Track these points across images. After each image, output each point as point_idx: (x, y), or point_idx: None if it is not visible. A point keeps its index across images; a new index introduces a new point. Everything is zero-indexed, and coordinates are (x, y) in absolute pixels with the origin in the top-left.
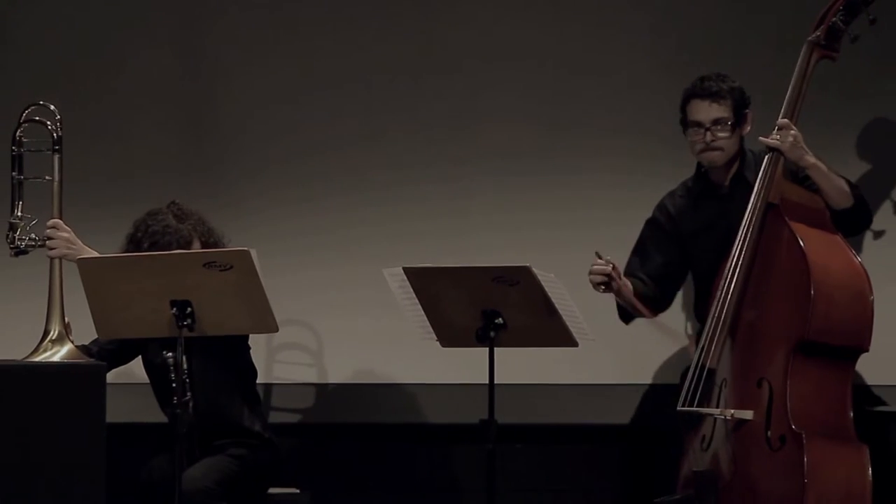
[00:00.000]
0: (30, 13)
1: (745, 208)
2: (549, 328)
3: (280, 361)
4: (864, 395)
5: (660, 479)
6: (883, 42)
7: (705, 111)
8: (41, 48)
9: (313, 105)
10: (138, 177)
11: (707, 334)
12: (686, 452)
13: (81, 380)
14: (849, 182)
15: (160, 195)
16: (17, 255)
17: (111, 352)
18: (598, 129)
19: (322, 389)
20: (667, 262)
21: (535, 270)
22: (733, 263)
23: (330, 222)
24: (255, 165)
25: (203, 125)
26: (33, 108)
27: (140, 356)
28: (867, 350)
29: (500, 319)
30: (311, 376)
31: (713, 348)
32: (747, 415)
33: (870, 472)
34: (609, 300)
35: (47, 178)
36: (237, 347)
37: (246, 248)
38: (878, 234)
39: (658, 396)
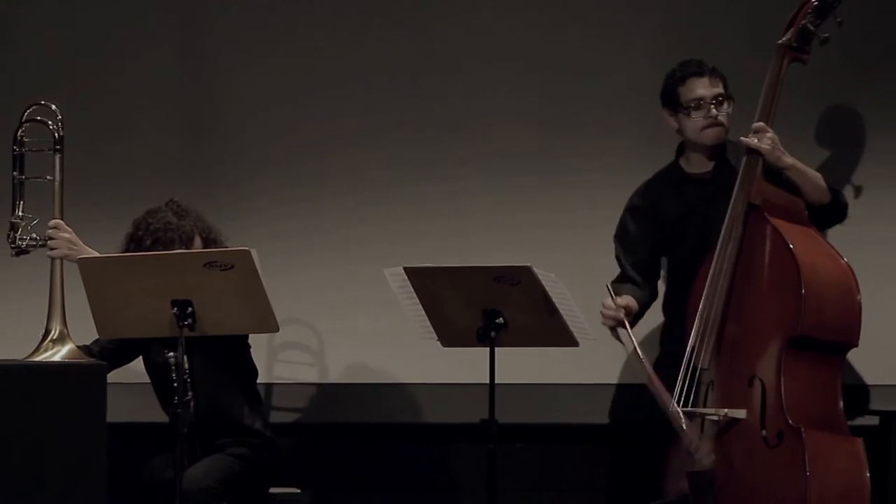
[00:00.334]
0: (30, 13)
1: (729, 194)
2: (549, 328)
3: (281, 361)
4: (864, 395)
5: (660, 480)
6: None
7: (706, 87)
8: (42, 48)
9: (313, 105)
10: (139, 177)
11: (697, 336)
12: (670, 458)
13: (82, 379)
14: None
15: (160, 195)
16: (18, 254)
17: (112, 351)
18: (598, 130)
19: (323, 389)
20: (653, 251)
21: (535, 270)
22: (717, 264)
23: (330, 222)
24: (255, 165)
25: (203, 125)
26: (35, 107)
27: (141, 356)
28: (856, 345)
29: (501, 319)
30: (311, 376)
31: (704, 350)
32: (741, 414)
33: (867, 464)
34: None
35: (48, 177)
36: (237, 347)
37: (247, 248)
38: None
39: None
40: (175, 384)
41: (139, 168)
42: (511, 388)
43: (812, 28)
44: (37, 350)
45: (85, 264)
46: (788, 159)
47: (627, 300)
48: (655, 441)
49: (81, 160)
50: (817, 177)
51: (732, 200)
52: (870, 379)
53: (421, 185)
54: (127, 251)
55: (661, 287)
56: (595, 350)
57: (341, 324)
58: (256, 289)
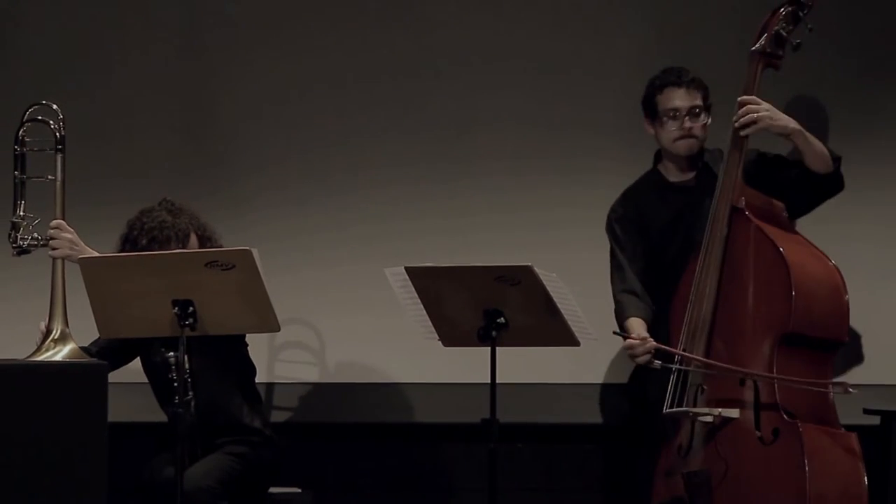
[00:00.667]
0: (30, 13)
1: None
2: (550, 328)
3: (282, 360)
4: (864, 394)
5: (651, 479)
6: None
7: (682, 98)
8: (42, 48)
9: (313, 105)
10: (139, 176)
11: (685, 339)
12: (661, 459)
13: (83, 379)
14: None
15: (161, 195)
16: (19, 254)
17: (113, 351)
18: (597, 130)
19: (323, 389)
20: (646, 260)
21: (537, 270)
22: (702, 268)
23: (330, 222)
24: (255, 165)
25: (203, 125)
26: (36, 107)
27: (139, 356)
28: (845, 342)
29: (502, 319)
30: (312, 375)
31: (693, 353)
32: (734, 413)
33: (863, 459)
34: (609, 300)
35: (50, 177)
36: (235, 345)
37: (248, 248)
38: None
39: None
40: (175, 384)
41: (139, 168)
42: (512, 387)
43: (784, 34)
44: (38, 350)
45: (86, 264)
46: (793, 124)
47: (640, 327)
48: (647, 440)
49: (82, 160)
50: (821, 144)
51: (714, 204)
52: (870, 379)
53: (421, 184)
54: (122, 252)
55: None
56: (596, 350)
57: (342, 323)
58: (257, 288)
